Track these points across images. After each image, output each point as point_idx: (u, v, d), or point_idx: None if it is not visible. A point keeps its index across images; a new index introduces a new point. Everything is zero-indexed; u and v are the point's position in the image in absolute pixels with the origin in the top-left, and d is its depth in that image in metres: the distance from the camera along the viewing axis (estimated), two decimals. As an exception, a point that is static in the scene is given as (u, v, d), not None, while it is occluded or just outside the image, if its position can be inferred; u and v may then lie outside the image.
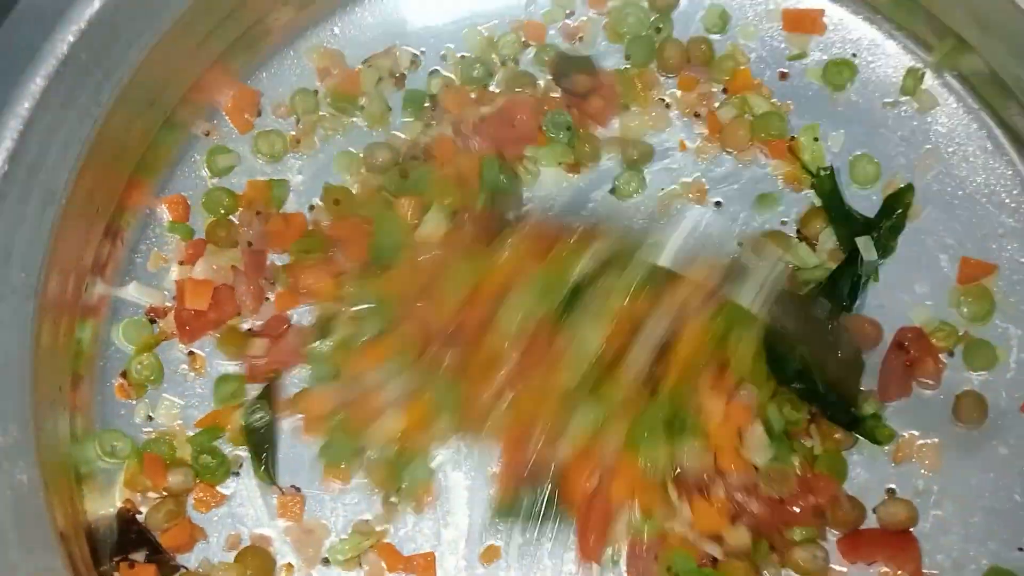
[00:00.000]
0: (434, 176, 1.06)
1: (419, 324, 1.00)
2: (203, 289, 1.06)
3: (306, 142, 1.13)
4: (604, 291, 0.99)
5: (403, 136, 1.12)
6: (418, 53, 1.15)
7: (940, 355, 1.04)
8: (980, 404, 1.03)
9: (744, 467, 0.98)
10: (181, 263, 1.09)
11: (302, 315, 1.07)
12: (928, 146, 1.10)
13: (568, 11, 1.15)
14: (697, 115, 1.12)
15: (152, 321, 1.08)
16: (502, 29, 1.14)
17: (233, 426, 1.05)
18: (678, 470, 0.97)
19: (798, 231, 1.08)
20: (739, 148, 1.10)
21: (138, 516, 1.02)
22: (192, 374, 1.07)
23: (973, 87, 1.10)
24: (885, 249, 1.06)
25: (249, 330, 1.07)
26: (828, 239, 1.07)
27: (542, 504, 0.99)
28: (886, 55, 1.12)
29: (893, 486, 1.02)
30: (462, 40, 1.14)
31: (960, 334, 1.05)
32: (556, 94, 1.12)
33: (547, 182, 1.10)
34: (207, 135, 1.12)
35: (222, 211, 1.10)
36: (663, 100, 1.12)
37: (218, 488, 1.04)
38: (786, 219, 1.09)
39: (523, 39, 1.14)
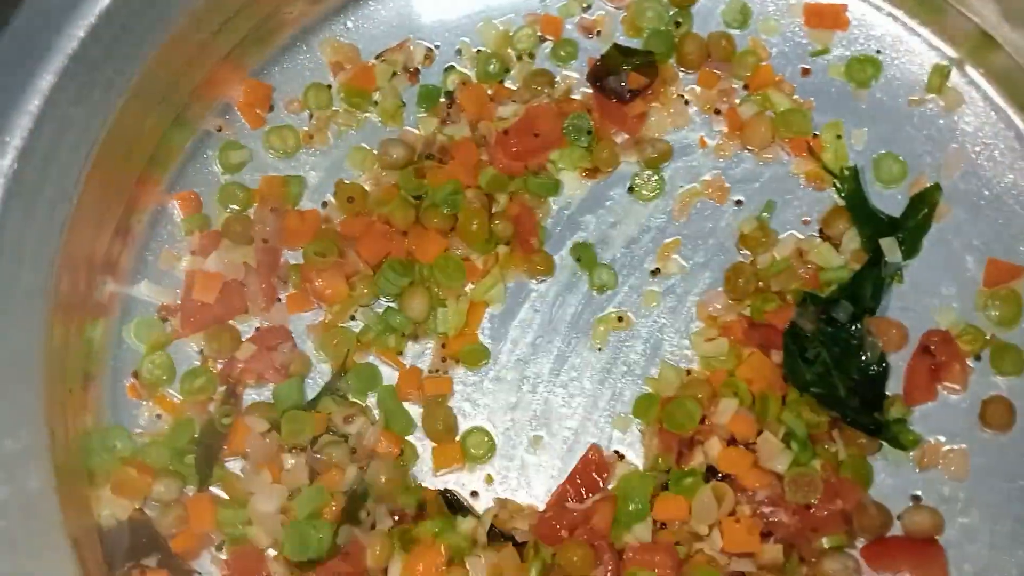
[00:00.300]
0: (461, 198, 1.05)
1: None
2: (212, 282, 1.05)
3: (319, 138, 1.11)
4: None
5: (418, 131, 1.10)
6: (432, 47, 1.13)
7: (967, 359, 1.03)
8: (1008, 409, 1.01)
9: (765, 480, 0.96)
10: (193, 253, 1.07)
11: (301, 335, 1.06)
12: (954, 145, 1.08)
13: (585, 5, 1.13)
14: (717, 112, 1.10)
15: (164, 320, 1.06)
16: (517, 23, 1.12)
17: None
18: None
19: (820, 231, 1.06)
20: (760, 146, 1.09)
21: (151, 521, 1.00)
22: (203, 374, 1.05)
23: (1000, 84, 1.08)
24: (910, 250, 1.05)
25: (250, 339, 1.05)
26: (852, 239, 1.05)
27: None
28: (911, 52, 1.10)
29: (918, 493, 1.01)
30: (477, 34, 1.12)
31: (987, 338, 1.03)
32: (576, 96, 1.10)
33: (566, 184, 1.08)
34: (219, 131, 1.11)
35: (236, 206, 1.08)
36: (682, 96, 1.11)
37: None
38: (808, 218, 1.07)
39: (539, 33, 1.12)
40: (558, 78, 1.11)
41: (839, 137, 1.07)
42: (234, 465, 1.02)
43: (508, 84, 1.11)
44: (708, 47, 1.10)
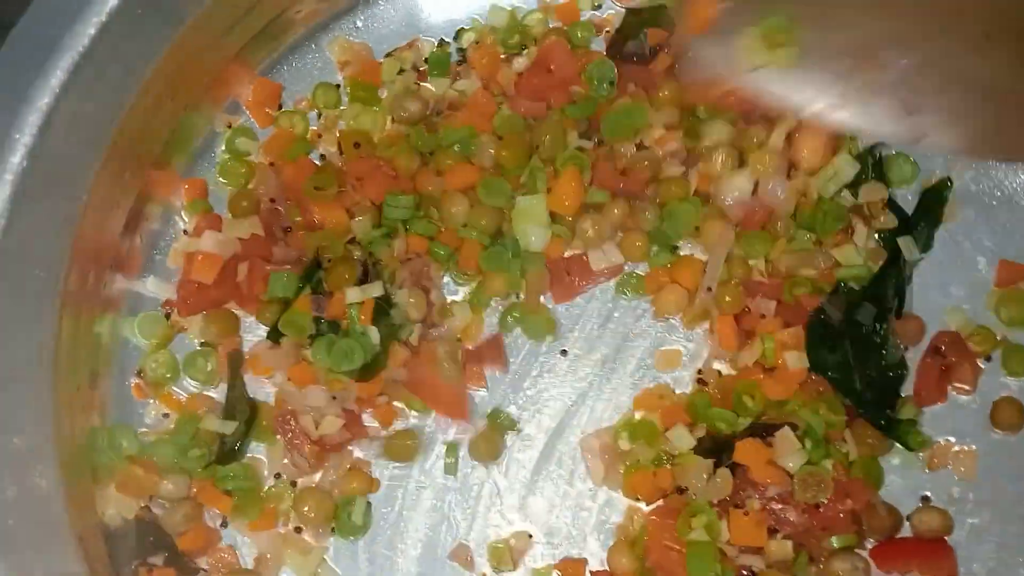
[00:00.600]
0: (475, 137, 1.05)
1: None
2: (211, 262, 1.03)
3: (327, 137, 1.11)
4: None
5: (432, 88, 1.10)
6: (442, 42, 1.13)
7: (977, 360, 1.02)
8: (1018, 410, 1.00)
9: (778, 476, 0.95)
10: (186, 234, 1.07)
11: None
12: (965, 145, 1.07)
13: (596, 3, 1.13)
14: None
15: (167, 316, 1.06)
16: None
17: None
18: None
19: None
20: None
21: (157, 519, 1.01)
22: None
23: (1012, 84, 1.07)
24: (924, 246, 1.05)
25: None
26: (869, 238, 1.04)
27: None
28: (923, 51, 1.10)
29: (928, 493, 1.00)
30: (486, 18, 1.13)
31: (998, 339, 1.03)
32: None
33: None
34: (228, 128, 1.11)
35: (241, 180, 1.08)
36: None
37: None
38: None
39: (552, 22, 1.12)
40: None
41: (852, 138, 1.07)
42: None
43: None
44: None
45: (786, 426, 0.97)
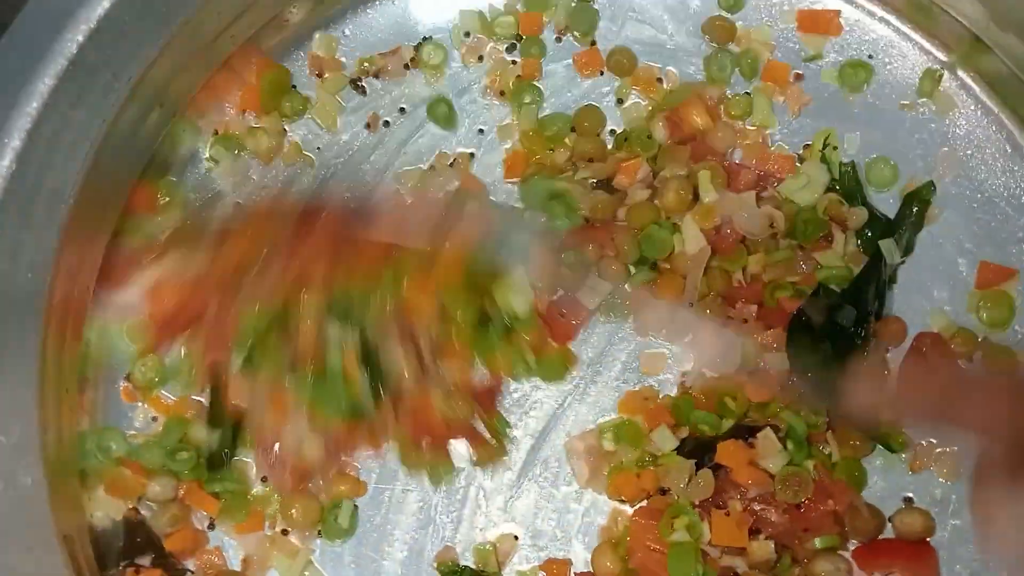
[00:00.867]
0: None
1: None
2: (169, 293, 1.02)
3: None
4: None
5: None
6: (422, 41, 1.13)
7: (959, 361, 1.02)
8: (1000, 412, 1.01)
9: (759, 477, 0.96)
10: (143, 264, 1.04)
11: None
12: (946, 148, 1.08)
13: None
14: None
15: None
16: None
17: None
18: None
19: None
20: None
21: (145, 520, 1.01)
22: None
23: (992, 88, 1.08)
24: (905, 248, 1.05)
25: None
26: (849, 240, 1.05)
27: None
28: (903, 56, 1.11)
29: (910, 495, 1.01)
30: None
31: (979, 340, 1.03)
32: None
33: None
34: (216, 135, 1.12)
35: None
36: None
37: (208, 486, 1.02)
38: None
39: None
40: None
41: (827, 146, 1.07)
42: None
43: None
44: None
45: (767, 427, 0.98)
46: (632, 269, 1.05)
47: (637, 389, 1.05)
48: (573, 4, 1.12)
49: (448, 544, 1.02)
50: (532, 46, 1.12)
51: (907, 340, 1.03)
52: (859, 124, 1.09)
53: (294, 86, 1.13)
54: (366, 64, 1.13)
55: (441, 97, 1.11)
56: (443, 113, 1.11)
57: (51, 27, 0.94)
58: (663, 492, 0.99)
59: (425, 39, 1.13)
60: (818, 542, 0.97)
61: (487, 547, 1.01)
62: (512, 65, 1.12)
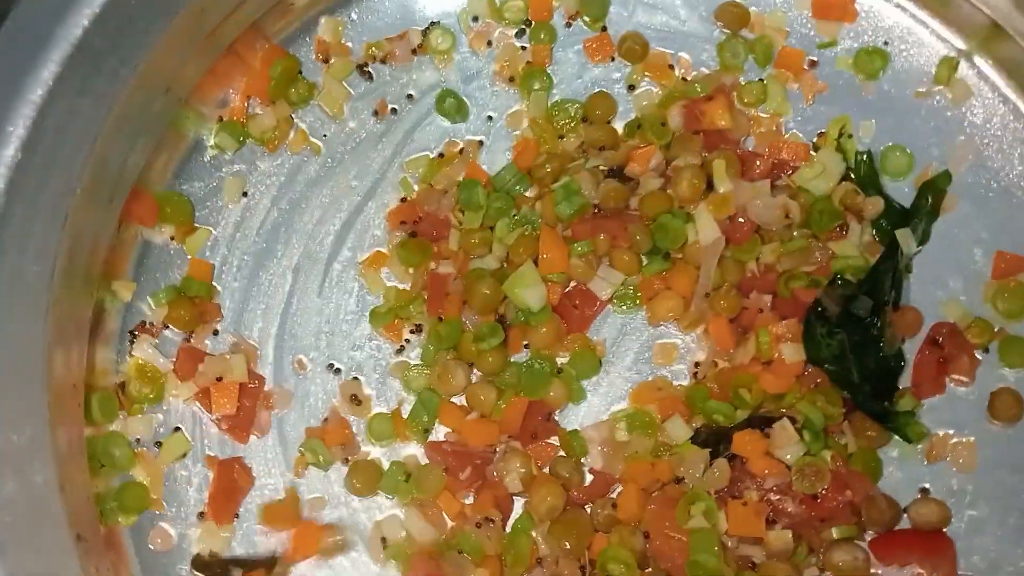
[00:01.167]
0: None
1: None
2: (227, 390, 1.03)
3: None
4: None
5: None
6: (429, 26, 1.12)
7: (975, 351, 1.02)
8: (1016, 402, 1.01)
9: (776, 468, 0.95)
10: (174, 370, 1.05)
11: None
12: (962, 137, 1.07)
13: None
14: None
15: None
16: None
17: None
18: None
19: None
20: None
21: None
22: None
23: (1010, 75, 1.08)
24: (921, 238, 1.04)
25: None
26: (865, 230, 1.04)
27: None
28: (919, 43, 1.10)
29: (927, 485, 1.01)
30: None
31: (995, 330, 1.03)
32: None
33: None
34: (220, 120, 1.10)
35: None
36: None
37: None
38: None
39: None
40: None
41: (842, 135, 1.06)
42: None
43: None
44: (714, 39, 1.10)
45: (784, 418, 0.97)
46: (644, 259, 1.04)
47: (650, 379, 1.04)
48: (584, -12, 1.11)
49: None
50: (542, 31, 1.11)
51: (923, 330, 1.03)
52: (874, 112, 1.08)
53: (300, 72, 1.11)
54: (373, 49, 1.11)
55: (448, 90, 1.10)
56: (452, 106, 1.10)
57: (55, 13, 0.92)
58: (678, 481, 0.98)
59: (433, 23, 1.12)
60: (835, 532, 0.97)
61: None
62: (521, 51, 1.11)
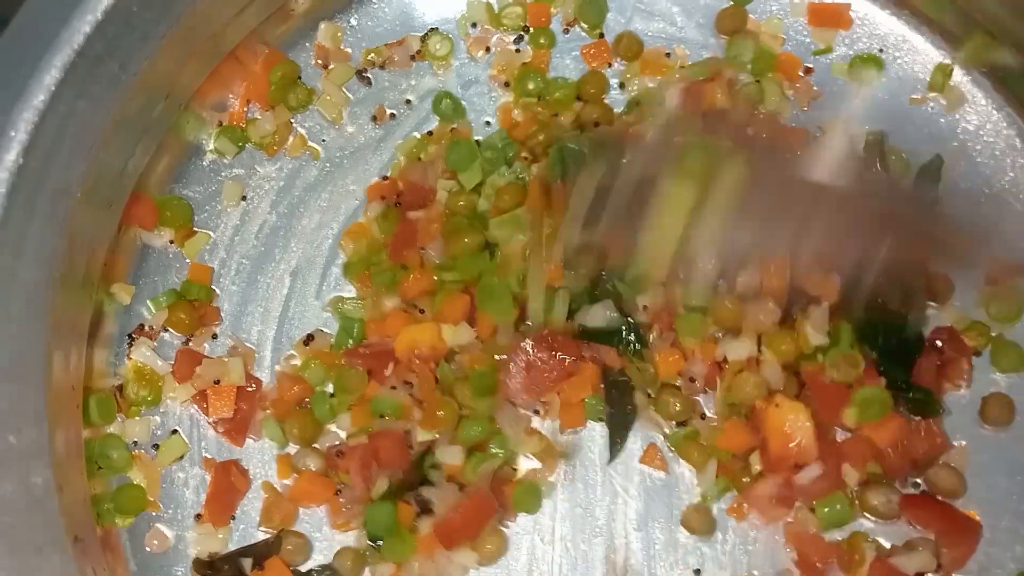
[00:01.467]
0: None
1: None
2: (225, 394, 1.04)
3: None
4: None
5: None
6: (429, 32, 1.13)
7: (972, 355, 1.03)
8: (1008, 406, 1.01)
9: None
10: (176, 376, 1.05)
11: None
12: (955, 143, 1.08)
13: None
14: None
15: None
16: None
17: None
18: None
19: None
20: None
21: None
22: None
23: (1004, 84, 1.08)
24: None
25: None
26: None
27: None
28: (914, 50, 1.11)
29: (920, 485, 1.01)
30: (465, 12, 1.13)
31: (992, 334, 1.03)
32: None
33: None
34: (220, 125, 1.11)
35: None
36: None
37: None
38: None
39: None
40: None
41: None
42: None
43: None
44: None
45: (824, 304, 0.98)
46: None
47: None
48: (582, -5, 1.12)
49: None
50: (540, 37, 1.12)
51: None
52: (869, 118, 1.09)
53: (299, 77, 1.12)
54: (372, 55, 1.12)
55: (445, 92, 1.11)
56: (448, 107, 1.10)
57: (57, 18, 0.93)
58: None
59: (432, 30, 1.13)
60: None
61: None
62: (518, 55, 1.12)
